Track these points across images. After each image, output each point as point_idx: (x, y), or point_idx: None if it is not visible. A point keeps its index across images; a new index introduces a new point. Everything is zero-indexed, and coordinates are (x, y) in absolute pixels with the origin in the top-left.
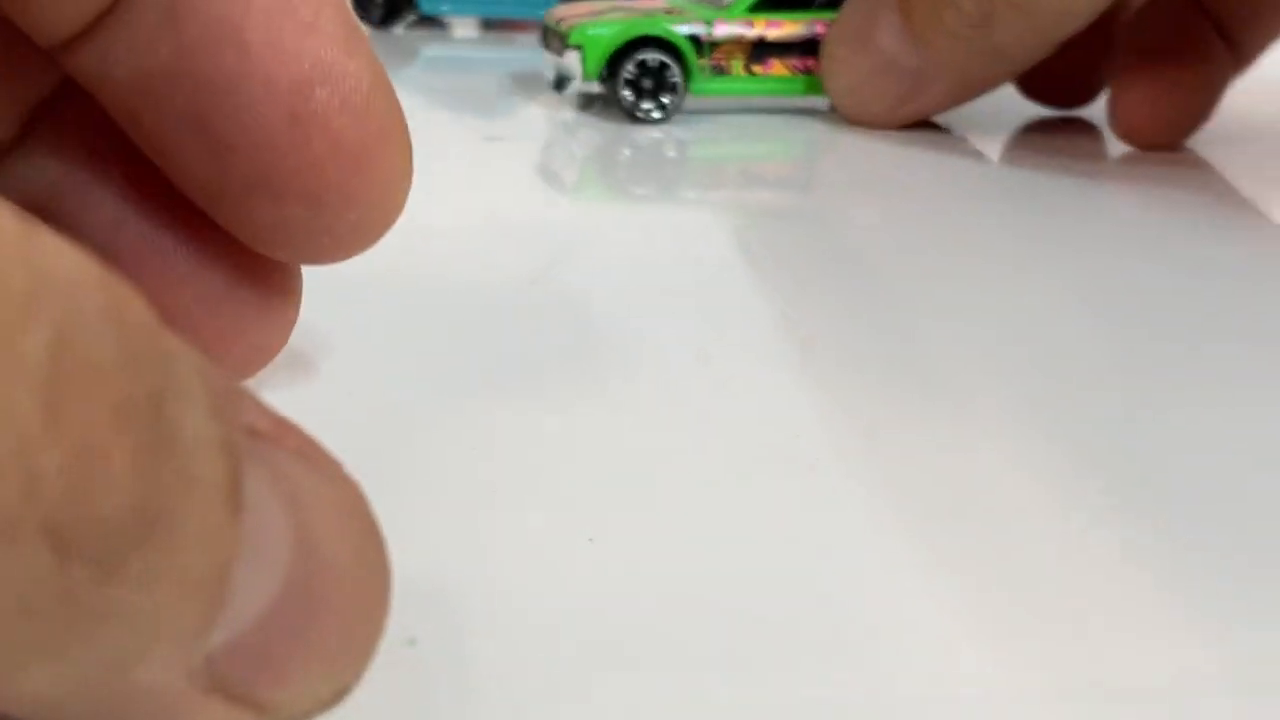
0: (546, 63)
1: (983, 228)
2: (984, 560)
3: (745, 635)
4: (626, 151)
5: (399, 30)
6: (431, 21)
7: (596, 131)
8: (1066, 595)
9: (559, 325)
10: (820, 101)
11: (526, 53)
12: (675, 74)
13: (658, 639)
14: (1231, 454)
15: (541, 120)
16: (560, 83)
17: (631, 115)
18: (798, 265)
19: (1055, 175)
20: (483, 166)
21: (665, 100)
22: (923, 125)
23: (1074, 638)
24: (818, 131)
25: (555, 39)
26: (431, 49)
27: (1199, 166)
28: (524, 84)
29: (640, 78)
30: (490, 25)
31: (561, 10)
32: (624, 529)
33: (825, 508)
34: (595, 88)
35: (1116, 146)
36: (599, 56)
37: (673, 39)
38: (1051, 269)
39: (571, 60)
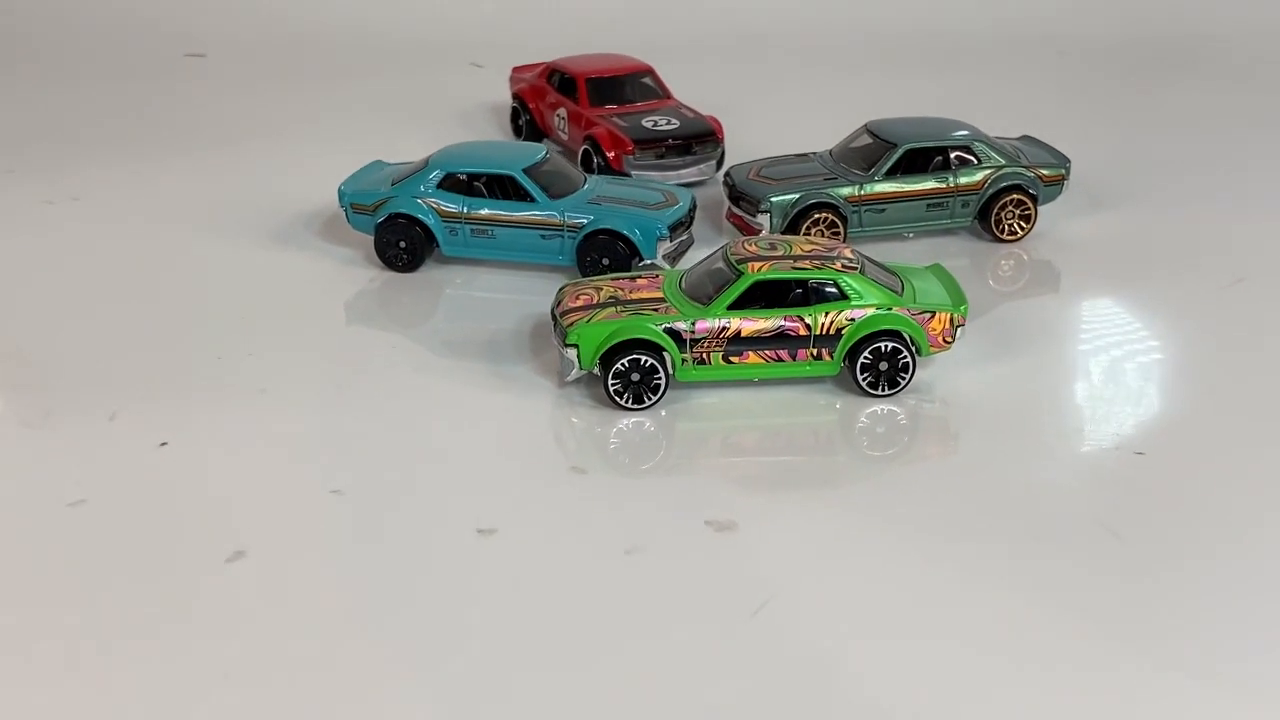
0: (556, 348)
1: None
2: None
3: None
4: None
5: (424, 270)
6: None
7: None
8: None
9: None
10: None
11: (539, 298)
12: (660, 377)
13: None
14: None
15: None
16: (566, 368)
17: (614, 404)
18: None
19: None
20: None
21: (645, 399)
22: None
23: None
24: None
25: (559, 332)
26: (453, 289)
27: None
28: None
29: (630, 371)
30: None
31: (568, 296)
32: None
33: None
34: (595, 372)
35: None
36: (591, 354)
37: (657, 339)
38: None
39: (571, 354)
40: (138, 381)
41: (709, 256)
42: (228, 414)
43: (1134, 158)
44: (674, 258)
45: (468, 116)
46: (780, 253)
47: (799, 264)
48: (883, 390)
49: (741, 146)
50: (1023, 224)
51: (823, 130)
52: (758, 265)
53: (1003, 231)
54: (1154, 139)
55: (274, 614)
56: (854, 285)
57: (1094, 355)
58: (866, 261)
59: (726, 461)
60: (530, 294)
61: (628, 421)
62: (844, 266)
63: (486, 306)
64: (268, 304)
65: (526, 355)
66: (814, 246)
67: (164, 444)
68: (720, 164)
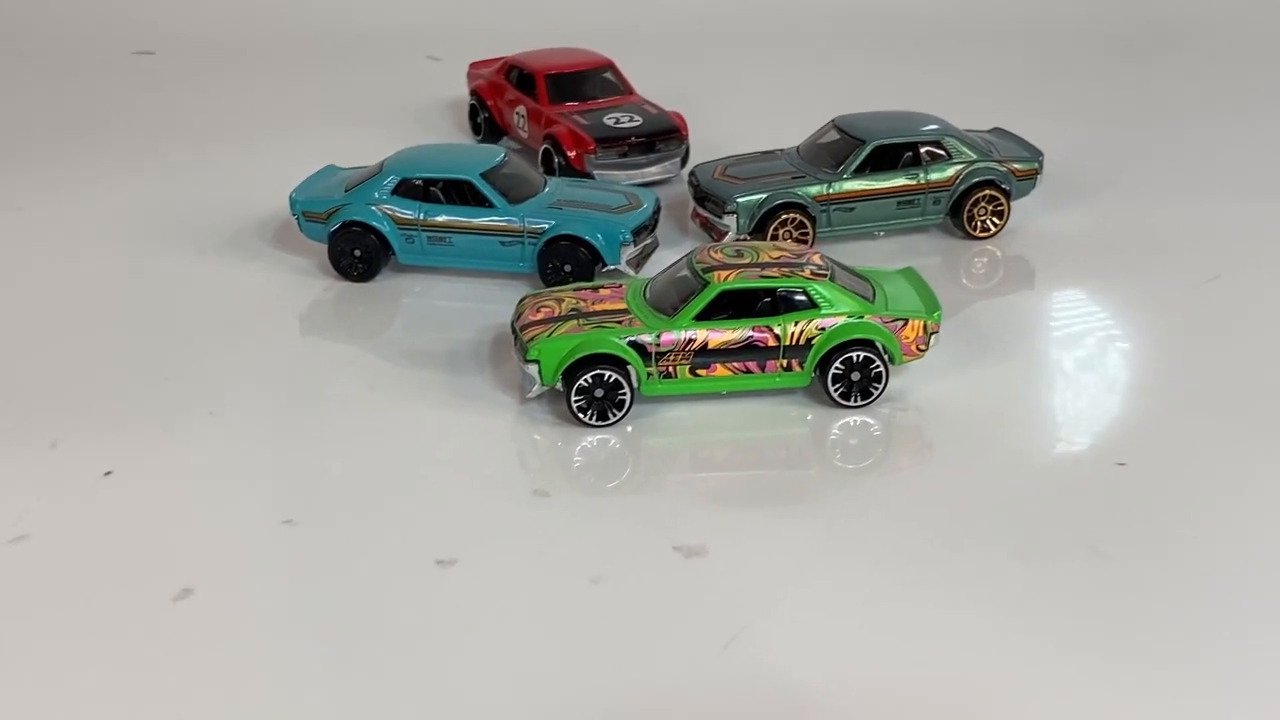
0: (518, 365)
1: None
2: None
3: None
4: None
5: (379, 280)
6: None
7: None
8: None
9: None
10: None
11: (501, 306)
12: (625, 393)
13: None
14: None
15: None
16: (527, 384)
17: (578, 421)
18: None
19: None
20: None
21: (610, 416)
22: None
23: None
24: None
25: (519, 347)
26: (411, 298)
27: None
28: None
29: (594, 386)
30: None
31: (529, 309)
32: None
33: None
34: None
35: None
36: (554, 370)
37: (621, 353)
38: None
39: (532, 371)
40: (81, 405)
41: (674, 264)
42: (175, 440)
43: (1110, 146)
44: (638, 262)
45: (425, 113)
46: (747, 260)
47: (767, 272)
48: (855, 401)
49: (707, 140)
50: (995, 220)
51: (790, 120)
52: (724, 274)
53: (975, 228)
54: (1130, 126)
55: (223, 656)
56: (824, 293)
57: (1070, 356)
58: (836, 267)
59: (695, 478)
60: (491, 302)
61: (592, 439)
62: (813, 274)
63: (446, 315)
64: (217, 318)
65: (487, 368)
66: (782, 253)
67: (108, 473)
68: (685, 161)
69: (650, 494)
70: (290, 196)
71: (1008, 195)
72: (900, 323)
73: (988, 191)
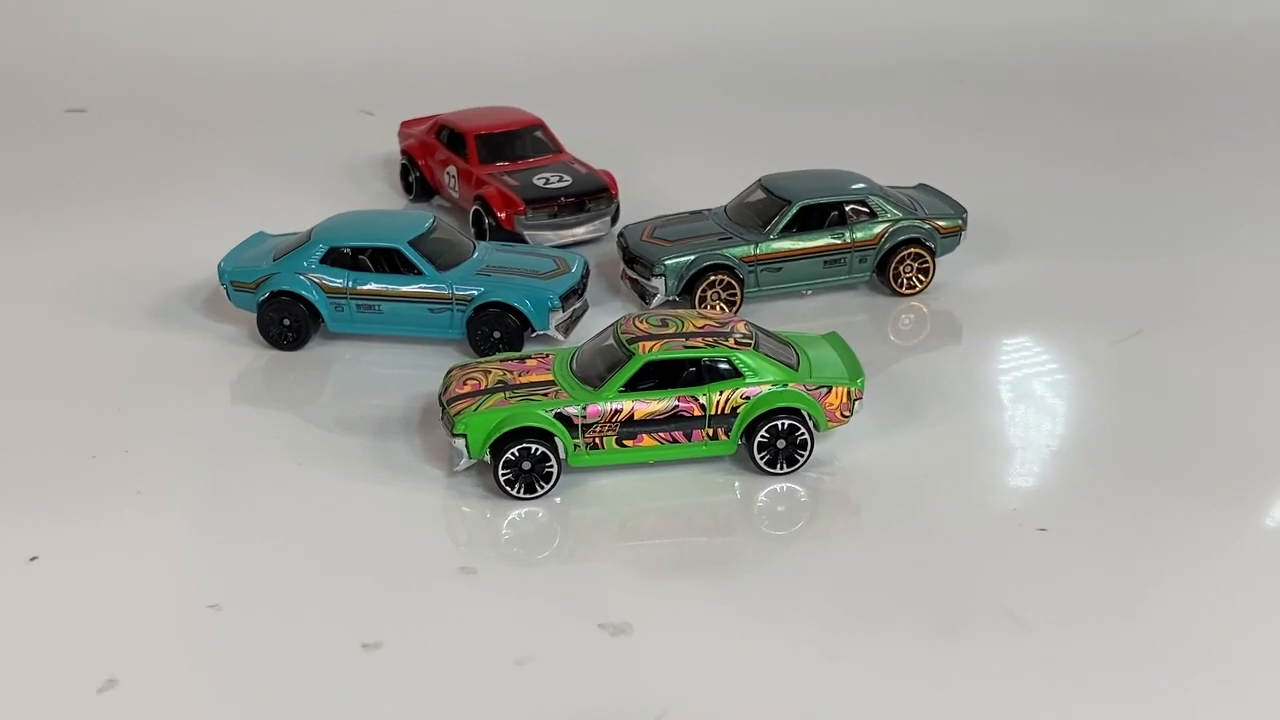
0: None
1: None
2: None
3: None
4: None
5: (310, 346)
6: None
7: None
8: None
9: None
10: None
11: (431, 372)
12: (552, 465)
13: None
14: None
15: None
16: (455, 457)
17: (505, 494)
18: None
19: None
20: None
21: (538, 488)
22: None
23: None
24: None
25: (446, 420)
26: (342, 365)
27: None
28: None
29: (521, 459)
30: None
31: (455, 381)
32: None
33: None
34: (486, 458)
35: None
36: (480, 443)
37: (547, 426)
38: None
39: (459, 444)
40: (7, 487)
41: (600, 334)
42: (101, 521)
43: (1033, 200)
44: (568, 327)
45: (357, 170)
46: (672, 330)
47: (691, 342)
48: (781, 468)
49: (639, 194)
50: (921, 277)
51: (720, 173)
52: (649, 345)
53: (901, 285)
54: (1054, 179)
55: None
56: (748, 362)
57: (996, 416)
58: (761, 335)
59: (623, 548)
60: (421, 368)
61: (521, 511)
62: (737, 343)
63: (376, 382)
64: (145, 389)
65: (416, 437)
66: (707, 322)
67: (34, 559)
68: (615, 219)
69: (578, 566)
70: (219, 266)
71: (932, 252)
72: (824, 390)
73: (913, 249)
